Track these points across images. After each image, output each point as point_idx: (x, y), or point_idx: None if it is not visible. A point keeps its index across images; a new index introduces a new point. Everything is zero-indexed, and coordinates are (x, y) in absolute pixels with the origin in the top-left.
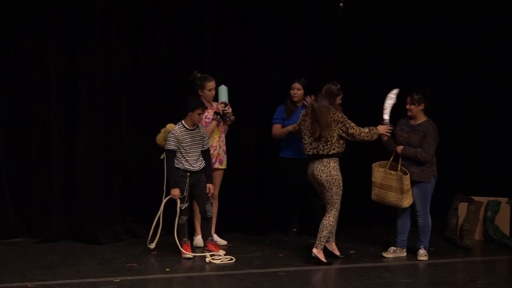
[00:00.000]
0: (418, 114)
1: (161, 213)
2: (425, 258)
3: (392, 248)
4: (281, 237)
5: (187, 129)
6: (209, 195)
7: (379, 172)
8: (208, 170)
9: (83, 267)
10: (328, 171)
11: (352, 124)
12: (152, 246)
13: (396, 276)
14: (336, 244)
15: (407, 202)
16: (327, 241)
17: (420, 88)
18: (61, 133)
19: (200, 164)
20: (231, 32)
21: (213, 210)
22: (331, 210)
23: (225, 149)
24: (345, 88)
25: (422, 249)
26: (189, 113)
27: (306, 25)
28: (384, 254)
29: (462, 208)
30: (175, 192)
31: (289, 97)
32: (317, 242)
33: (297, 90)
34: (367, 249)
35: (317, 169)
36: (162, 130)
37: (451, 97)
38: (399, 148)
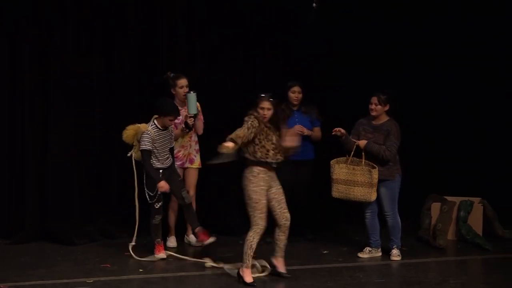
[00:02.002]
0: (382, 114)
1: (138, 210)
2: (398, 258)
3: (367, 249)
4: (265, 238)
5: (159, 129)
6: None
7: (341, 168)
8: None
9: (57, 268)
10: (242, 180)
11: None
12: (132, 244)
13: (369, 276)
14: (308, 245)
15: (375, 195)
16: (274, 255)
17: (386, 89)
18: (33, 134)
19: (170, 160)
20: (203, 36)
21: None
22: (251, 225)
23: (197, 148)
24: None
25: (395, 249)
26: (162, 116)
27: (278, 28)
28: (360, 255)
29: (435, 208)
30: (162, 184)
31: (286, 101)
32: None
33: (297, 94)
34: (340, 249)
35: None
36: (130, 128)
37: (424, 97)
38: (362, 143)
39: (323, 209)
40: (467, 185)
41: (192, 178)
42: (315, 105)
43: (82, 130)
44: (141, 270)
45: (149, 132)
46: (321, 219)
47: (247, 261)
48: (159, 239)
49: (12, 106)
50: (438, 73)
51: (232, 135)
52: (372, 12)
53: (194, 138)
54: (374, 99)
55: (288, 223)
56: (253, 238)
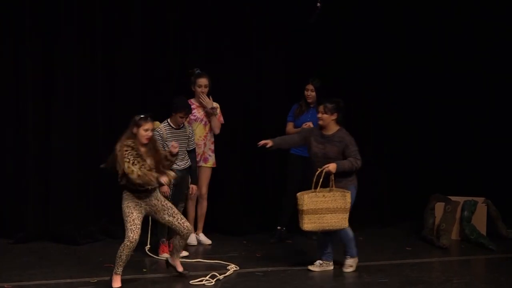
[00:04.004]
0: (330, 123)
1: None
2: (352, 269)
3: (318, 262)
4: (269, 239)
5: (173, 127)
6: (192, 195)
7: (310, 198)
8: (193, 171)
9: (60, 267)
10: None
11: (126, 158)
12: (148, 247)
13: (373, 275)
14: (312, 245)
15: (347, 221)
16: (171, 255)
17: (333, 98)
18: (36, 133)
19: (186, 162)
20: (208, 35)
21: (202, 208)
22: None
23: (212, 148)
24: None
25: (348, 258)
26: (173, 114)
27: (281, 26)
28: (310, 268)
29: (439, 208)
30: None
31: (303, 97)
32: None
33: (310, 92)
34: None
35: None
36: None
37: (428, 97)
38: (333, 167)
39: None
40: (471, 185)
41: (205, 177)
42: None
43: (85, 130)
44: (144, 270)
45: (159, 129)
46: None
47: (117, 269)
48: (164, 239)
49: (15, 106)
50: (442, 72)
51: (137, 176)
52: (377, 12)
53: (210, 137)
54: (320, 108)
55: (190, 231)
56: (122, 250)
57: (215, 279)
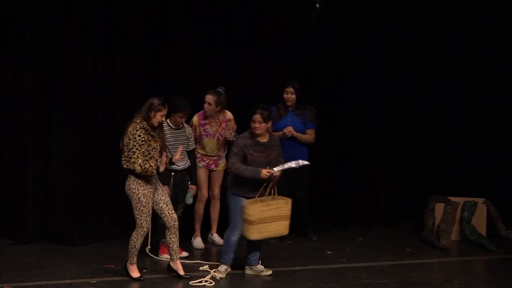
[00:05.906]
0: (265, 130)
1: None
2: (222, 276)
3: (223, 267)
4: (269, 239)
5: (172, 128)
6: (191, 196)
7: (257, 208)
8: (192, 171)
9: (60, 268)
10: (128, 184)
11: (136, 148)
12: (148, 248)
13: (373, 276)
14: (312, 246)
15: (288, 227)
16: (171, 259)
17: (262, 105)
18: (36, 134)
19: (185, 163)
20: (206, 37)
21: (215, 210)
22: (136, 227)
23: (220, 154)
24: (320, 88)
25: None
26: (172, 114)
27: (280, 27)
28: (217, 274)
29: (439, 208)
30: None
31: (283, 100)
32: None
33: (290, 94)
34: (343, 250)
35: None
36: None
37: (427, 98)
38: (278, 175)
39: (326, 210)
40: (470, 186)
41: (217, 179)
42: (311, 107)
43: (85, 131)
44: (144, 270)
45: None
46: (324, 220)
47: (132, 259)
48: (164, 240)
49: (15, 108)
50: (442, 73)
51: (140, 170)
52: (376, 13)
53: (221, 147)
54: (258, 117)
55: (177, 223)
56: (136, 239)
57: (214, 280)
